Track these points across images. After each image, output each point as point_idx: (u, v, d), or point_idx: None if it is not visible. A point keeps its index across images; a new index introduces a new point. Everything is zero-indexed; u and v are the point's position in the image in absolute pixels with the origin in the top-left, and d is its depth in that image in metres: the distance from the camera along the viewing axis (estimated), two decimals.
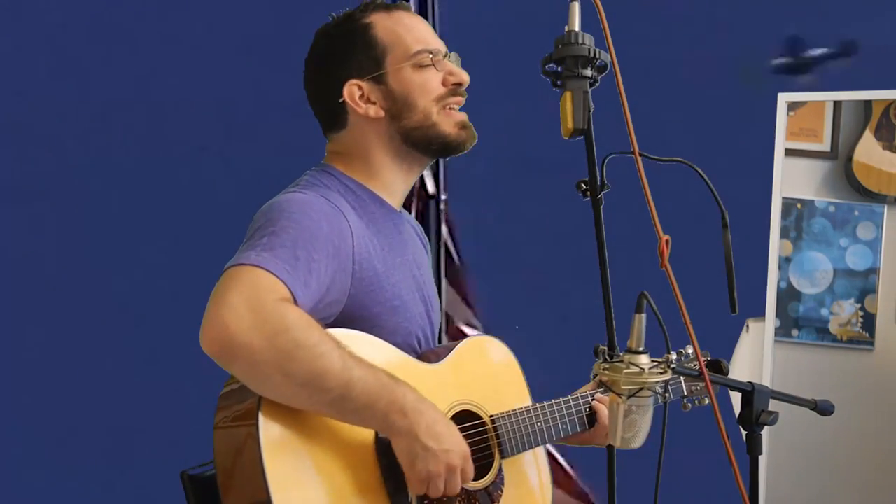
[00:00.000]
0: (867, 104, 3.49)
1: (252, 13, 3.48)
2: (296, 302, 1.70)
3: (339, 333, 1.76)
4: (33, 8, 3.37)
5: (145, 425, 3.34)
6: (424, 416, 1.75)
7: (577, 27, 1.63)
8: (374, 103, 1.95)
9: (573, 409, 2.07)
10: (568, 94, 1.62)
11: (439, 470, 1.75)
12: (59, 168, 3.38)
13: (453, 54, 2.01)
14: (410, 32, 1.97)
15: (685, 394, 2.23)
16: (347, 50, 1.96)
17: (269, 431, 1.70)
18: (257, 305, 1.64)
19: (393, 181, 2.00)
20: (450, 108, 1.98)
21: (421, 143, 1.97)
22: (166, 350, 3.32)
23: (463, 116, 1.99)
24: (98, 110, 3.41)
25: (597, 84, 1.65)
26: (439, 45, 2.00)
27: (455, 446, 1.78)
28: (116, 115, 3.42)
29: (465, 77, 1.99)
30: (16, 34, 3.36)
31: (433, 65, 1.97)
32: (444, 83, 1.97)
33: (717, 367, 2.07)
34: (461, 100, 2.00)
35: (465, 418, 1.93)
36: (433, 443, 1.74)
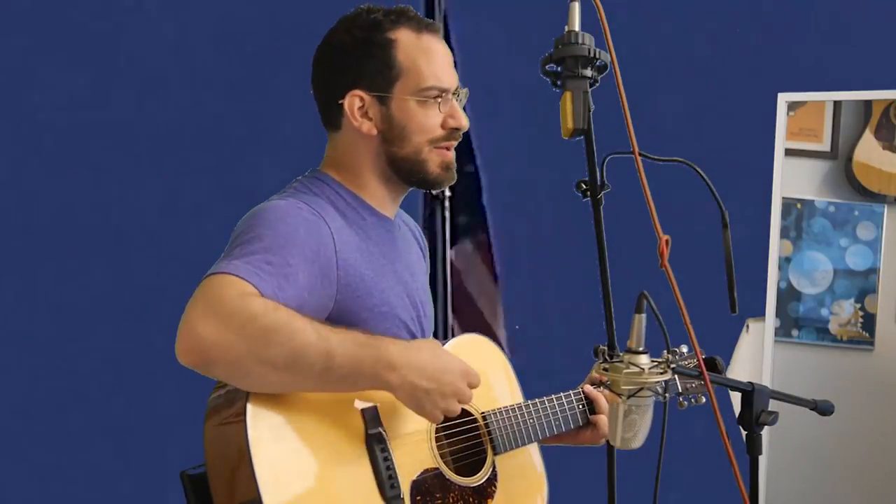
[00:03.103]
0: (867, 104, 3.49)
1: (262, 13, 3.48)
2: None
3: None
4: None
5: (145, 425, 3.34)
6: (413, 362, 1.77)
7: (577, 27, 1.63)
8: (370, 119, 1.94)
9: (566, 406, 2.08)
10: (568, 94, 1.62)
11: (447, 401, 1.80)
12: (59, 170, 3.38)
13: (463, 91, 2.00)
14: (429, 64, 1.95)
15: (680, 391, 2.23)
16: (364, 59, 1.94)
17: (258, 429, 1.70)
18: (218, 305, 1.64)
19: (381, 195, 2.01)
20: (440, 148, 1.97)
21: (403, 172, 1.97)
22: (167, 350, 3.32)
23: (450, 157, 1.99)
24: (94, 111, 3.41)
25: (597, 84, 1.65)
26: (452, 81, 1.98)
27: (452, 373, 1.81)
28: (112, 116, 3.42)
29: (464, 123, 1.98)
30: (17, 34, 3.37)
31: (438, 105, 1.95)
32: (443, 125, 1.96)
33: (713, 364, 2.08)
34: (453, 144, 1.99)
35: (456, 415, 1.93)
36: (432, 384, 1.78)
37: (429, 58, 1.95)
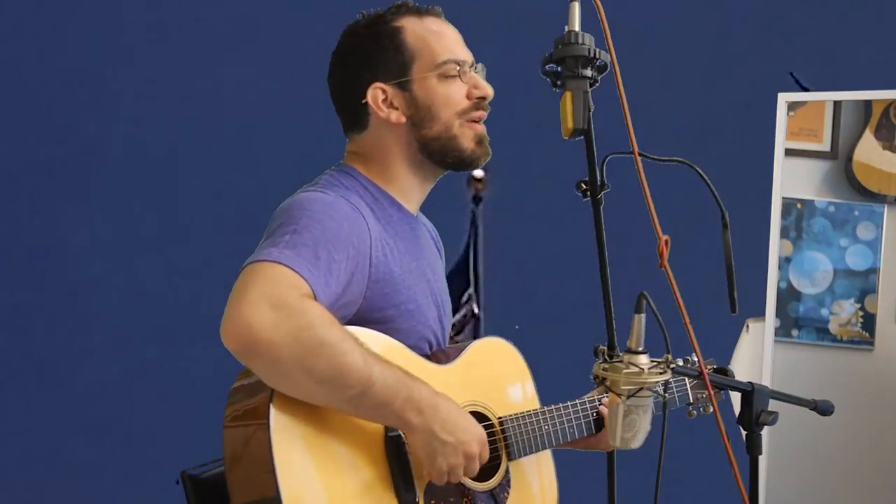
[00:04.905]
0: (867, 104, 3.49)
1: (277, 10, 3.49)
2: (316, 300, 1.70)
3: (354, 331, 1.76)
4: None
5: (145, 425, 3.35)
6: (439, 410, 1.77)
7: (577, 27, 1.63)
8: (396, 108, 1.95)
9: (580, 414, 2.07)
10: (568, 94, 1.62)
11: (458, 461, 1.79)
12: (77, 164, 3.38)
13: (479, 65, 2.01)
14: (440, 41, 1.96)
15: (691, 401, 2.23)
16: (375, 52, 1.95)
17: (280, 428, 1.70)
18: (280, 302, 1.65)
19: (409, 187, 2.00)
20: (470, 122, 1.97)
21: (437, 153, 1.97)
22: (167, 350, 3.32)
23: (482, 130, 1.99)
24: (114, 104, 3.41)
25: (597, 84, 1.65)
26: (467, 55, 1.99)
27: (471, 435, 1.80)
28: (132, 108, 3.42)
29: (489, 91, 1.98)
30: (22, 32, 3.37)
31: (459, 76, 1.96)
32: (468, 96, 1.97)
33: (722, 373, 2.06)
34: (483, 114, 1.99)
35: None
36: (450, 437, 1.77)
37: (438, 36, 1.97)
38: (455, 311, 3.40)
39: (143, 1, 3.47)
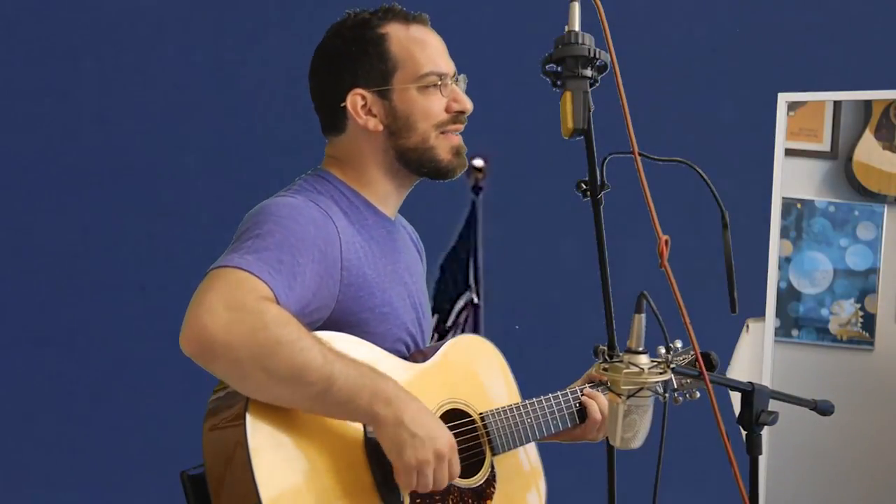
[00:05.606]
0: (867, 104, 3.49)
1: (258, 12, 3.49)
2: (277, 302, 1.71)
3: (324, 335, 1.77)
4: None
5: (145, 425, 3.35)
6: (409, 405, 1.75)
7: (577, 27, 1.63)
8: (374, 116, 1.95)
9: (563, 405, 2.07)
10: (568, 94, 1.62)
11: (427, 457, 1.75)
12: (60, 166, 3.38)
13: (461, 77, 2.01)
14: (423, 51, 1.96)
15: (675, 387, 2.22)
16: (358, 57, 1.95)
17: (257, 434, 1.70)
18: (235, 304, 1.65)
19: (386, 192, 2.01)
20: (447, 133, 1.98)
21: (413, 163, 1.98)
22: (166, 350, 3.32)
23: (458, 141, 1.99)
24: (95, 108, 3.41)
25: (597, 84, 1.65)
26: (449, 67, 1.99)
27: (442, 435, 1.78)
28: (112, 113, 3.42)
29: (468, 105, 1.99)
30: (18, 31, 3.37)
31: (439, 88, 1.96)
32: (447, 109, 1.97)
33: (707, 359, 2.06)
34: (461, 127, 2.00)
35: (454, 416, 1.93)
36: (420, 430, 1.75)
37: (422, 46, 1.97)
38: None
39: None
